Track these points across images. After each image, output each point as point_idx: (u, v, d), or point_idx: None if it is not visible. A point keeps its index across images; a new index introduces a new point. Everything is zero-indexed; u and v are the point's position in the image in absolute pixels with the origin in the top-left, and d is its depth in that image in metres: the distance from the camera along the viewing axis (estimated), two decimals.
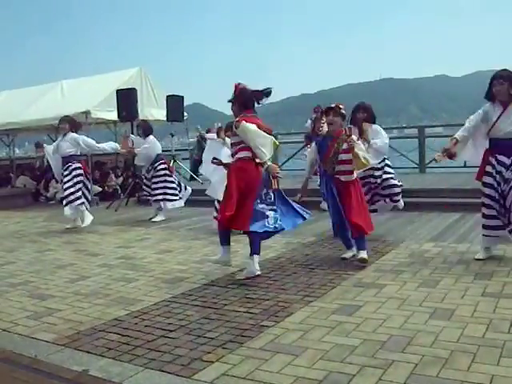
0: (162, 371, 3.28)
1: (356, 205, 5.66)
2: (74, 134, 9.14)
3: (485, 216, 5.65)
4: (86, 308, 4.67)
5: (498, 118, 5.37)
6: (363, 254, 5.64)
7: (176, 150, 15.96)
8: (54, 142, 19.34)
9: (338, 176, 5.69)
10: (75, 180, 8.92)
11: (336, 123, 5.67)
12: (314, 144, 6.03)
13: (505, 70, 5.47)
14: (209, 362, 3.38)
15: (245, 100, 5.43)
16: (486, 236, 5.70)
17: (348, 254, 5.95)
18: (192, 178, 15.79)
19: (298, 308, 4.35)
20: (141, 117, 14.06)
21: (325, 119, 5.80)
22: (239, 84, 5.50)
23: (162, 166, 10.14)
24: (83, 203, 8.97)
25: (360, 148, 5.66)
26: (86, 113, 13.52)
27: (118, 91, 13.24)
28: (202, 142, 16.42)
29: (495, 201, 5.46)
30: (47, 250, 7.44)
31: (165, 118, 14.72)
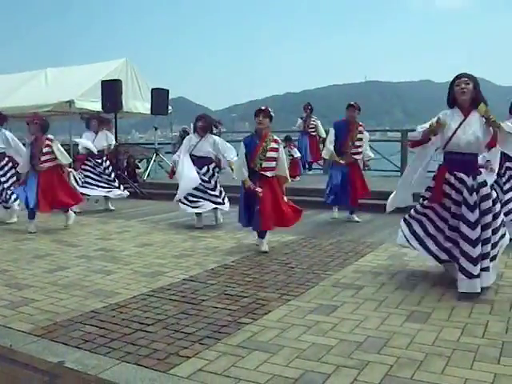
0: (139, 365, 3.28)
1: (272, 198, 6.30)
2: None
3: (414, 218, 5.17)
4: (63, 299, 4.64)
5: (459, 126, 4.71)
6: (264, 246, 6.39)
7: (159, 144, 15.92)
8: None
9: (263, 172, 6.33)
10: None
11: (265, 124, 6.33)
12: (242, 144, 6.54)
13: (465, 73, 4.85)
14: (185, 357, 3.39)
15: None
16: (401, 232, 5.24)
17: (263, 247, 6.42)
18: (174, 172, 15.71)
19: (275, 306, 4.37)
20: (125, 109, 14.01)
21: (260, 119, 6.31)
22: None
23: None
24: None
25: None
26: (70, 102, 13.43)
27: (103, 82, 13.15)
28: (185, 136, 16.37)
29: (444, 221, 4.87)
30: (25, 240, 7.38)
31: (149, 111, 14.66)
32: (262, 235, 6.44)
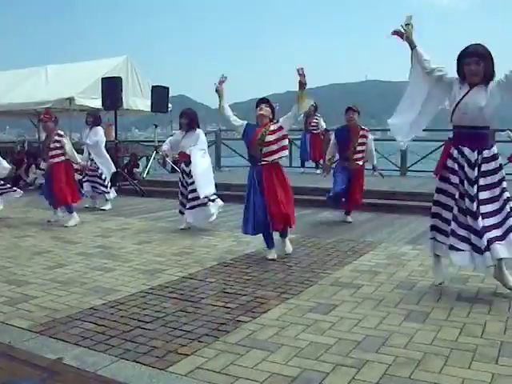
0: (137, 362, 3.29)
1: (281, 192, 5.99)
2: None
3: (436, 216, 4.83)
4: (62, 296, 4.65)
5: (463, 97, 4.53)
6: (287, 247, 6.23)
7: (159, 141, 15.91)
8: (35, 127, 19.23)
9: (264, 158, 5.97)
10: None
11: (266, 112, 6.06)
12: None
13: (478, 44, 4.57)
14: (184, 354, 3.40)
15: None
16: (434, 240, 4.90)
17: (272, 255, 6.05)
18: (173, 170, 15.75)
19: (274, 304, 4.37)
20: (125, 106, 13.99)
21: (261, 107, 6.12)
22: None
23: None
24: None
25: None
26: (70, 99, 13.41)
27: (103, 79, 13.13)
28: None
29: (455, 200, 4.63)
30: (25, 236, 7.39)
31: (149, 109, 14.64)
32: (283, 235, 6.22)
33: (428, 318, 4.06)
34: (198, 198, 7.55)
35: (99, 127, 10.28)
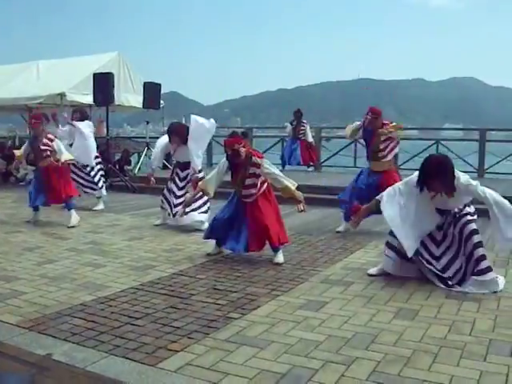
0: (127, 358, 3.29)
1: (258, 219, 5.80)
2: None
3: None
4: (52, 292, 4.64)
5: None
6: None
7: (150, 138, 15.88)
8: (26, 122, 19.12)
9: (243, 199, 5.84)
10: None
11: (241, 155, 5.65)
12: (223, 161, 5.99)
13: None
14: (174, 351, 3.40)
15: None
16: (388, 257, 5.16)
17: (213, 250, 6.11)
18: (165, 167, 15.72)
19: (264, 301, 4.38)
20: (117, 102, 13.94)
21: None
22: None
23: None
24: None
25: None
26: (61, 95, 13.34)
27: (94, 75, 13.07)
28: None
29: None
30: (15, 232, 7.36)
31: (141, 105, 14.60)
32: (275, 250, 5.89)
33: (417, 315, 4.08)
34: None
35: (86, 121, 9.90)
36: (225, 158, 5.87)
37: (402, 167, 14.45)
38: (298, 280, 5.03)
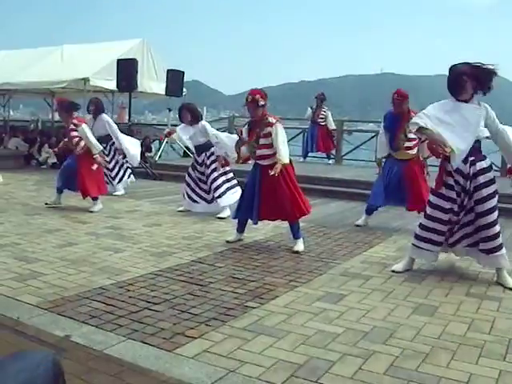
0: (144, 343, 3.30)
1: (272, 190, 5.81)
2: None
3: (426, 228, 4.99)
4: (71, 274, 4.67)
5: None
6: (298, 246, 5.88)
7: (172, 125, 15.91)
8: (49, 106, 19.26)
9: (258, 161, 5.92)
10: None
11: (257, 114, 5.80)
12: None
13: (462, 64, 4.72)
14: (191, 337, 3.40)
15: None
16: (417, 247, 5.09)
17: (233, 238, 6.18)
18: (185, 154, 15.75)
19: (283, 292, 4.37)
20: (140, 89, 13.97)
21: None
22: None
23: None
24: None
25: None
26: (85, 80, 13.39)
27: (118, 60, 13.10)
28: None
29: (454, 213, 4.87)
30: (36, 214, 7.41)
31: (163, 92, 14.62)
32: (295, 234, 5.96)
33: (436, 312, 4.04)
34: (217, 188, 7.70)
35: (103, 115, 9.81)
36: (245, 124, 6.12)
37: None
38: (317, 272, 5.02)
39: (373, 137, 14.95)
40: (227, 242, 6.05)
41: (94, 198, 7.95)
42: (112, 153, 9.74)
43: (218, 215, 7.62)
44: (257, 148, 5.84)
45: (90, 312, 3.78)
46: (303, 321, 3.75)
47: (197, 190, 7.91)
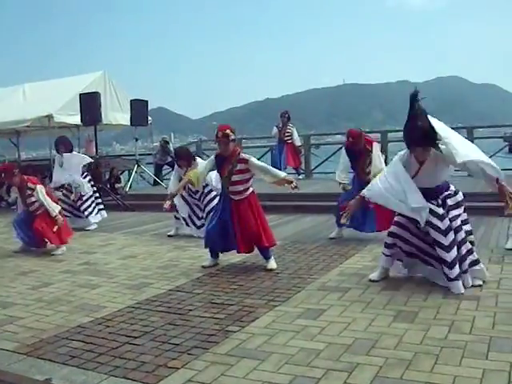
0: (127, 378, 3.26)
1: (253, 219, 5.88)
2: None
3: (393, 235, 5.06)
4: (48, 315, 4.60)
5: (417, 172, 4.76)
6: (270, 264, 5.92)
7: (140, 155, 15.89)
8: (15, 145, 19.07)
9: (231, 195, 5.92)
10: None
11: (228, 149, 5.82)
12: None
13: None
14: (174, 368, 3.37)
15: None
16: (386, 256, 5.16)
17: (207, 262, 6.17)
18: (155, 183, 15.71)
19: (263, 312, 4.36)
20: (104, 121, 13.94)
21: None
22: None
23: None
24: None
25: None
26: (49, 117, 13.34)
27: (81, 95, 13.07)
28: (165, 146, 16.38)
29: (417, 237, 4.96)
30: (8, 257, 7.30)
31: (129, 123, 14.61)
32: (266, 258, 5.97)
33: (417, 317, 4.07)
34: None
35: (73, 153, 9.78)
36: (213, 156, 6.11)
37: None
38: (295, 289, 5.02)
39: (340, 148, 15.11)
40: (203, 267, 6.03)
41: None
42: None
43: None
44: (229, 184, 5.86)
45: (70, 352, 3.72)
46: (285, 340, 3.74)
47: (191, 213, 8.11)
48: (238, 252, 6.01)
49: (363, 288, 4.92)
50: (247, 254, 6.22)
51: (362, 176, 7.11)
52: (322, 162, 15.80)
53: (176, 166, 8.19)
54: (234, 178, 5.83)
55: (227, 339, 3.82)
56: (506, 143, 15.63)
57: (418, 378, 3.04)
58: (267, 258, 5.94)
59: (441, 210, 4.73)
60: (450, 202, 4.82)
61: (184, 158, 7.96)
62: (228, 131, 5.78)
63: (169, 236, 8.25)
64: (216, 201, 7.51)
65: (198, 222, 8.07)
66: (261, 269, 5.85)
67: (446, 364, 3.21)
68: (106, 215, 10.17)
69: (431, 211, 4.70)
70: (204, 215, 7.97)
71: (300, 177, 14.74)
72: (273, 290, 5.03)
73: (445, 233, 4.67)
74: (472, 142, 13.30)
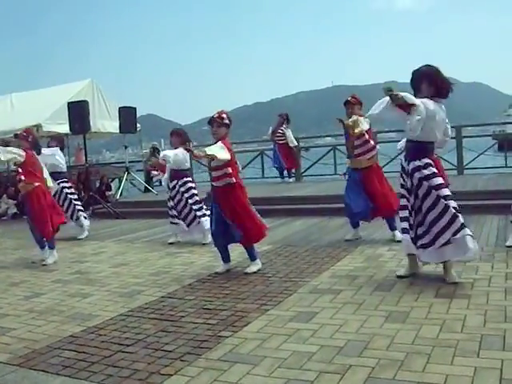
0: None
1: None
2: None
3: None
4: (40, 326, 4.58)
5: None
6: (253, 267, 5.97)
7: (130, 162, 15.86)
8: None
9: (213, 183, 5.95)
10: None
11: (220, 133, 5.83)
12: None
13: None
14: (167, 375, 3.37)
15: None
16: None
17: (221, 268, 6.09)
18: (146, 190, 15.70)
19: (255, 317, 4.36)
20: (93, 129, 13.93)
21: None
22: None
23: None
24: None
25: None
26: (38, 126, 13.30)
27: (69, 103, 13.06)
28: (155, 153, 16.37)
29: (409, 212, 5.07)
30: None
31: (118, 130, 14.60)
32: (252, 257, 6.05)
33: (408, 317, 4.08)
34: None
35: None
36: None
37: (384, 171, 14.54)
38: (287, 292, 5.02)
39: (330, 150, 15.14)
40: (216, 273, 5.97)
41: (51, 246, 7.54)
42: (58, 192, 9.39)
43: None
44: (211, 170, 5.92)
45: (63, 362, 3.71)
46: (277, 344, 3.75)
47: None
48: (241, 243, 6.03)
49: (355, 289, 4.94)
50: (239, 259, 6.22)
51: (348, 152, 7.28)
52: (312, 165, 15.81)
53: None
54: (213, 163, 5.83)
55: (220, 344, 3.82)
56: (495, 141, 15.70)
57: (410, 378, 3.05)
58: (253, 259, 6.00)
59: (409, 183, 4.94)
60: (417, 175, 4.87)
61: (178, 134, 7.98)
62: (224, 115, 5.82)
63: (170, 244, 8.16)
64: (193, 191, 7.92)
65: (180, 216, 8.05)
66: (252, 273, 5.85)
67: (437, 363, 3.22)
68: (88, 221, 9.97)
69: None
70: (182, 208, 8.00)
71: (290, 180, 14.74)
72: (265, 294, 5.03)
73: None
74: (461, 141, 13.46)
